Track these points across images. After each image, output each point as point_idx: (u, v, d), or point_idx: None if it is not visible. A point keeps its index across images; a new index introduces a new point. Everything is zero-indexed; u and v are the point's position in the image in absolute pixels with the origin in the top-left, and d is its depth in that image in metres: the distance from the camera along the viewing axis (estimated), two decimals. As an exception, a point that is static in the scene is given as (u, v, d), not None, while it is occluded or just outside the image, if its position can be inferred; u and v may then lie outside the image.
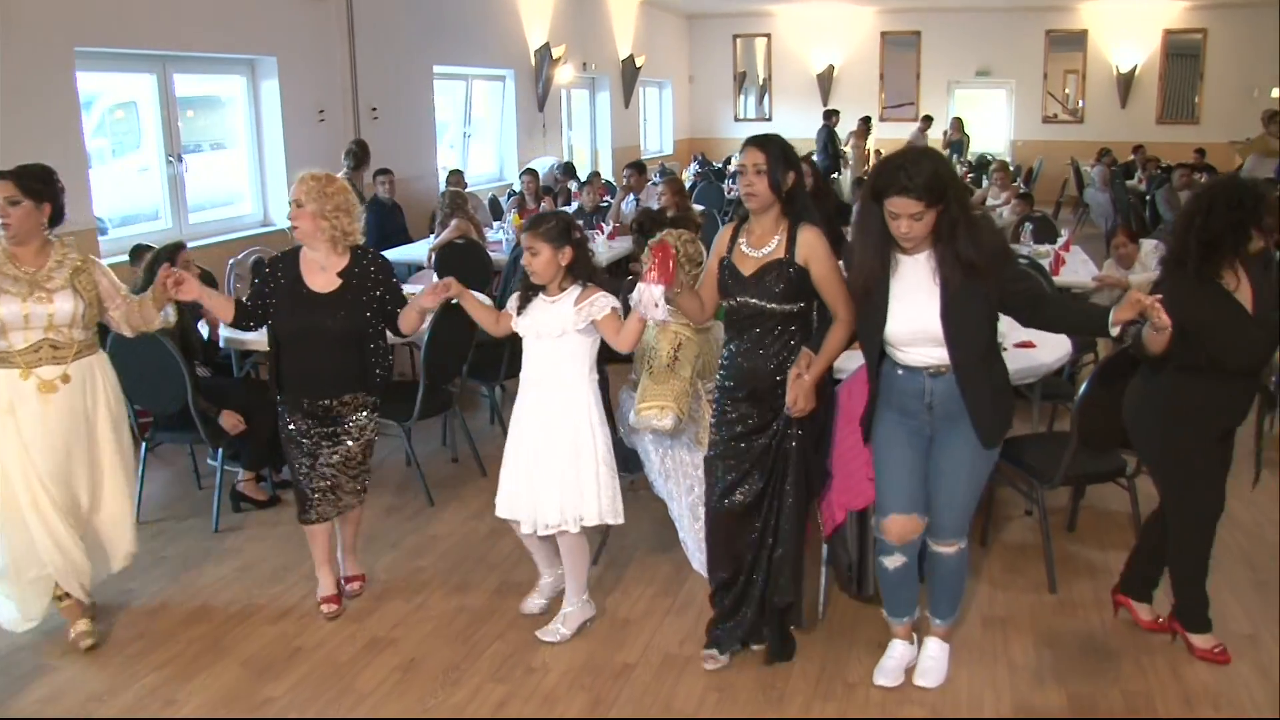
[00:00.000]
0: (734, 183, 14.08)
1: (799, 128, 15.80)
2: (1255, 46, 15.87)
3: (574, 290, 3.63)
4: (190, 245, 7.55)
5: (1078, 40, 17.38)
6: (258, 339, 4.53)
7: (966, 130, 16.77)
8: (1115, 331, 3.11)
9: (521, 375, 3.80)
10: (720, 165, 15.88)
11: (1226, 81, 16.60)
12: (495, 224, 9.32)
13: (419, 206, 9.83)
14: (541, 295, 3.67)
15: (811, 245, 3.34)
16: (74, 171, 6.58)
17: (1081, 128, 17.39)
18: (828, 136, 15.28)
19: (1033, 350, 4.49)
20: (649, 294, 3.24)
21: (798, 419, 3.41)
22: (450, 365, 5.34)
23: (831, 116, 15.66)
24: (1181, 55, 17.16)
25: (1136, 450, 3.85)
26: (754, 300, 3.39)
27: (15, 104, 6.27)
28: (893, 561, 3.45)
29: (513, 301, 3.78)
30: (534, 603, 4.07)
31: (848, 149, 15.71)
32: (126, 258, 5.98)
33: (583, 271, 3.64)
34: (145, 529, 4.97)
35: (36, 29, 6.36)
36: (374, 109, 9.75)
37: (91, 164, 7.07)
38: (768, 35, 19.02)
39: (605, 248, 8.28)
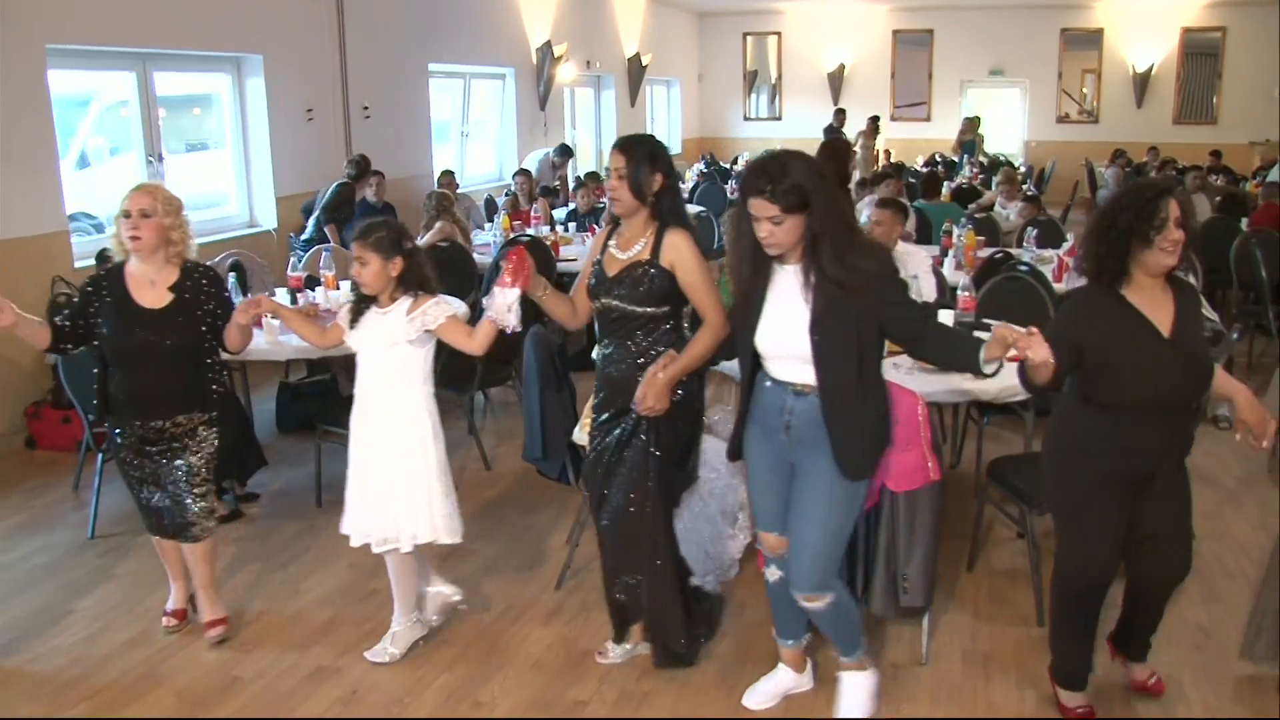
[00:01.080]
0: (737, 183, 13.87)
1: (809, 127, 15.57)
2: (1276, 45, 15.49)
3: (405, 301, 3.52)
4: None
5: (1093, 39, 17.06)
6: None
7: (980, 130, 16.47)
8: (990, 370, 2.84)
9: (355, 390, 3.66)
10: (729, 165, 15.65)
11: (1246, 81, 16.23)
12: (487, 226, 9.11)
13: (414, 208, 9.58)
14: (374, 307, 3.57)
15: (677, 248, 3.26)
16: (44, 172, 6.45)
17: (1096, 128, 17.07)
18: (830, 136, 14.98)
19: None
20: (501, 299, 3.19)
21: (654, 426, 3.33)
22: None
23: (839, 117, 15.39)
24: (1200, 54, 16.81)
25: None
26: (616, 302, 3.33)
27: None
28: (772, 574, 3.31)
29: (344, 314, 3.67)
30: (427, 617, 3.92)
31: (856, 149, 15.43)
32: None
33: (414, 282, 3.53)
34: (99, 544, 4.85)
35: (6, 25, 6.18)
36: (365, 108, 9.56)
37: (90, 162, 6.93)
38: (778, 33, 18.76)
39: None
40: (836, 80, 18.40)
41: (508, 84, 12.64)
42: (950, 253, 6.96)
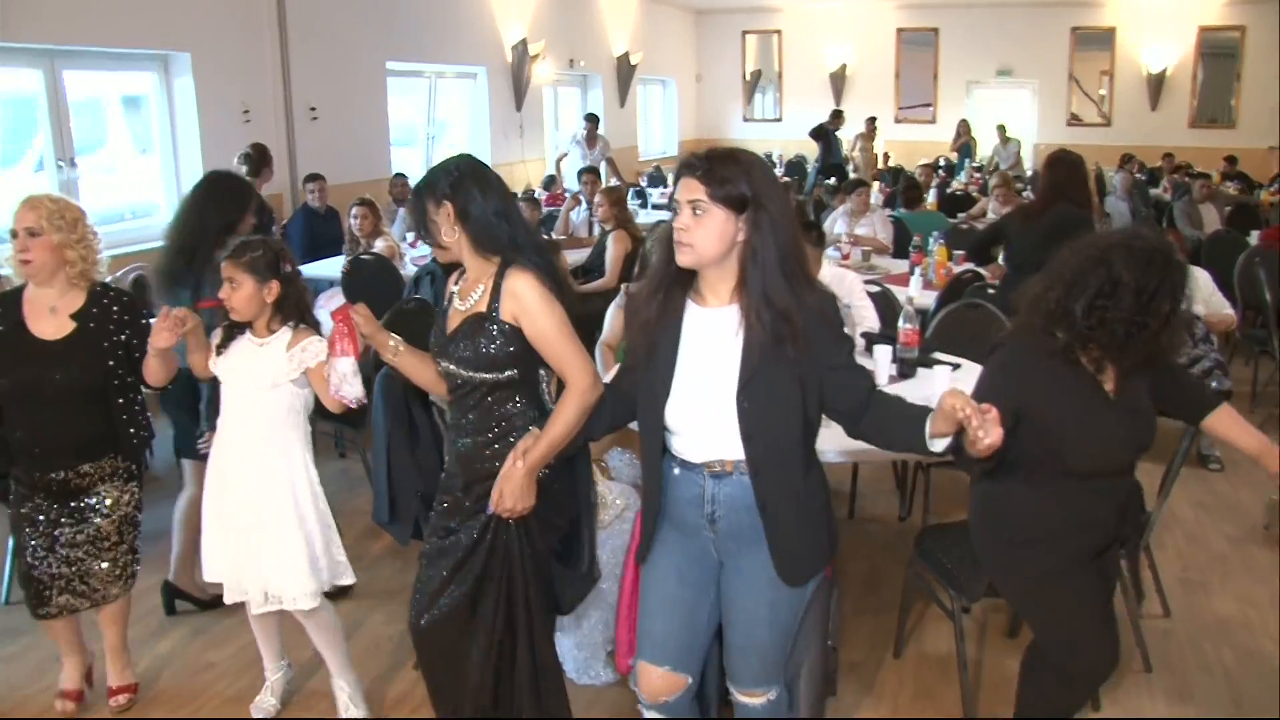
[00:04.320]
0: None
1: (809, 128, 14.86)
2: (1298, 45, 14.70)
3: (285, 333, 3.06)
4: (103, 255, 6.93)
5: (1105, 38, 16.25)
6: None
7: (972, 133, 15.81)
8: (939, 448, 2.23)
9: (219, 424, 3.11)
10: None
11: (1267, 82, 15.38)
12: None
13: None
14: (248, 335, 3.09)
15: (519, 296, 2.54)
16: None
17: (1108, 131, 16.27)
18: (826, 141, 14.30)
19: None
20: (336, 370, 2.72)
21: (519, 523, 2.61)
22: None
23: (836, 119, 14.70)
24: (1218, 54, 15.98)
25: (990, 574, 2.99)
26: (452, 366, 2.63)
27: None
28: (650, 715, 2.57)
29: (216, 336, 3.13)
30: (265, 702, 3.41)
31: (855, 154, 14.79)
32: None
33: (293, 311, 3.07)
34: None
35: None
36: (312, 108, 8.99)
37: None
38: (778, 31, 18.08)
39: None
40: (839, 80, 17.71)
41: (479, 83, 12.06)
42: (918, 270, 6.29)
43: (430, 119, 11.53)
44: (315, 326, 3.14)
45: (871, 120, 14.89)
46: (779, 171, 14.87)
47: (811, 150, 14.98)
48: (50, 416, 3.12)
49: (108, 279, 6.24)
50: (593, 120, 12.03)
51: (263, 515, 3.05)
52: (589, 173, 9.41)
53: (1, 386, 3.12)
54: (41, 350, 3.10)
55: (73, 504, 3.20)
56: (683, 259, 2.28)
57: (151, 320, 3.17)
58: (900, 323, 4.22)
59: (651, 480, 2.48)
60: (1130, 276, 2.44)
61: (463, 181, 2.57)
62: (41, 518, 3.18)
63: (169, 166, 8.02)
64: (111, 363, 3.18)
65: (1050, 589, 2.70)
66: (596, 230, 8.12)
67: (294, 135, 8.81)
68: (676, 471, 2.43)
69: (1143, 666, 3.54)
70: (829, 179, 12.68)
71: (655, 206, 11.55)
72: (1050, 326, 2.55)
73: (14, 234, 3.08)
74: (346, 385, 2.73)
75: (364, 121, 9.86)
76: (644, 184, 13.26)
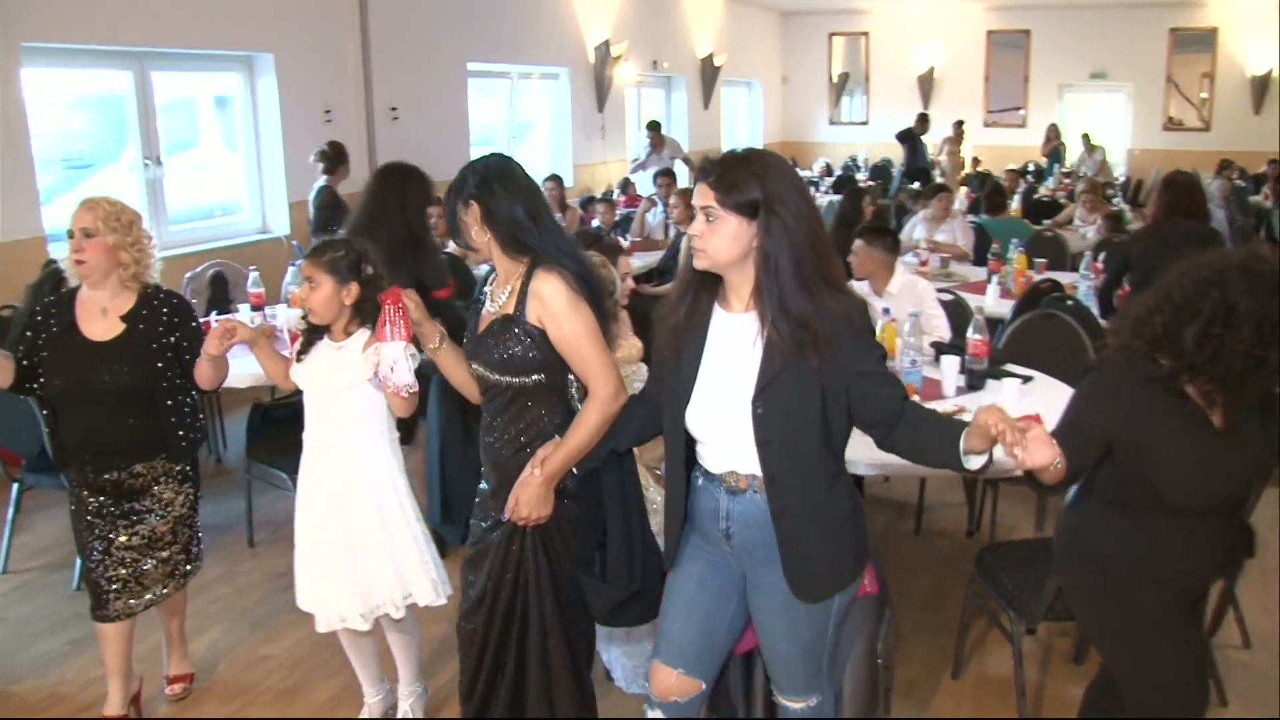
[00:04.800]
0: (822, 192, 13.09)
1: (896, 132, 14.62)
2: None
3: (361, 334, 2.95)
4: (176, 254, 7.09)
5: (1206, 39, 15.69)
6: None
7: (1062, 138, 15.40)
8: (975, 465, 2.13)
9: (305, 437, 3.05)
10: (815, 173, 14.84)
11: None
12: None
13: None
14: (326, 339, 3.01)
15: (544, 298, 2.49)
16: (19, 177, 6.10)
17: (1208, 136, 15.71)
18: (912, 145, 14.03)
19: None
20: (385, 355, 2.66)
21: (540, 536, 2.59)
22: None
23: (922, 122, 14.43)
24: (1328, 55, 15.36)
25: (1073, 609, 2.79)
26: (478, 367, 2.61)
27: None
28: (654, 714, 2.54)
29: (297, 346, 3.08)
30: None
31: (942, 158, 14.51)
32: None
33: (372, 314, 2.89)
34: (7, 580, 4.46)
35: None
36: (393, 108, 9.08)
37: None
38: (865, 34, 17.84)
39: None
40: (926, 83, 17.40)
41: (561, 84, 12.08)
42: (995, 278, 6.12)
43: (511, 119, 11.59)
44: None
45: (959, 124, 14.59)
46: (862, 176, 14.68)
47: (898, 154, 14.76)
48: (101, 417, 3.13)
49: (186, 274, 6.47)
50: (653, 127, 11.82)
51: (351, 524, 3.00)
52: (664, 175, 9.36)
53: (54, 387, 3.15)
54: (91, 351, 3.12)
55: (128, 505, 3.20)
56: (698, 263, 2.26)
57: (212, 319, 3.18)
58: (969, 332, 4.09)
59: (675, 487, 2.45)
60: (1250, 304, 2.21)
61: (488, 182, 2.54)
62: (98, 519, 3.19)
63: (252, 165, 8.15)
64: (160, 364, 3.18)
65: (1142, 636, 2.47)
66: (672, 232, 8.07)
67: (374, 135, 8.90)
68: (700, 481, 2.41)
69: (1218, 700, 3.37)
70: (913, 183, 12.47)
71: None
72: (1155, 352, 2.33)
73: (70, 234, 3.11)
74: (396, 371, 2.69)
75: (444, 122, 9.91)
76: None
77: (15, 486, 4.60)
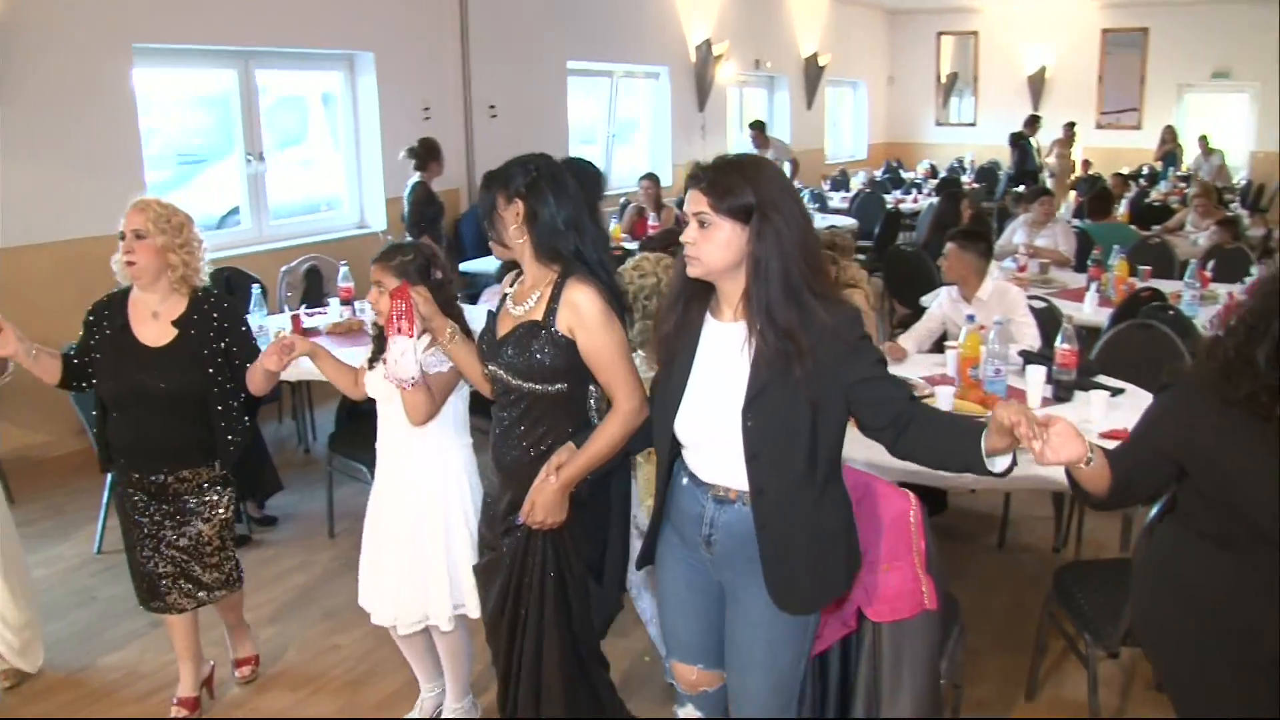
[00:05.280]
0: (911, 193, 12.86)
1: (1005, 133, 14.25)
2: None
3: (425, 339, 2.88)
4: (276, 248, 7.28)
5: (1339, 37, 14.98)
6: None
7: (1179, 140, 14.84)
8: (999, 468, 2.05)
9: (377, 444, 3.07)
10: (919, 175, 14.58)
11: None
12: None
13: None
14: None
15: (579, 308, 2.49)
16: (129, 172, 6.32)
17: (1339, 140, 15.00)
18: (1023, 149, 13.66)
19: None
20: (393, 349, 2.69)
21: (551, 541, 2.60)
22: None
23: (1032, 124, 14.05)
24: None
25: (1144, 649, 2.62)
26: (500, 372, 2.61)
27: (71, 103, 6.00)
28: (685, 713, 2.56)
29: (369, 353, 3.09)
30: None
31: (1050, 159, 14.12)
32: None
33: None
34: (99, 561, 4.62)
35: (92, 26, 6.06)
36: (492, 107, 9.17)
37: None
38: (975, 32, 17.45)
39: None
40: (1037, 83, 16.94)
41: (661, 83, 12.08)
42: (1094, 285, 5.91)
43: (611, 118, 11.61)
44: (468, 334, 2.94)
45: (1070, 126, 14.17)
46: (967, 178, 14.36)
47: (1006, 156, 14.40)
48: (152, 421, 3.16)
49: (282, 268, 6.61)
50: (757, 127, 11.75)
51: (413, 530, 3.01)
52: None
53: (108, 389, 3.18)
54: (146, 356, 3.14)
55: (173, 507, 3.23)
56: (692, 271, 2.22)
57: (301, 312, 3.21)
58: (1058, 341, 3.95)
59: (660, 484, 2.43)
60: None
61: (539, 183, 2.53)
62: (145, 519, 3.23)
63: (351, 161, 8.31)
64: (211, 370, 3.19)
65: (1215, 685, 2.23)
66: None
67: (472, 133, 9.00)
68: (684, 481, 2.37)
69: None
70: (1018, 186, 12.15)
71: (834, 210, 11.36)
72: (1229, 375, 2.14)
73: (122, 235, 3.13)
74: (400, 364, 2.70)
75: (543, 120, 9.99)
76: (826, 187, 13.04)
77: (110, 475, 4.76)
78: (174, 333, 3.17)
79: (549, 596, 2.62)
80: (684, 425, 2.30)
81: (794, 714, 2.42)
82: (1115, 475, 2.12)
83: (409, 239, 7.67)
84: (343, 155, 8.31)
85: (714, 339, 2.28)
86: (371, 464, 3.41)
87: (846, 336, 2.16)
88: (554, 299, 2.53)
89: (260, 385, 3.23)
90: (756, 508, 2.23)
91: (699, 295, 2.29)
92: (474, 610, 3.01)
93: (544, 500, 2.52)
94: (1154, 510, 2.67)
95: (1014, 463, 2.08)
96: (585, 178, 2.88)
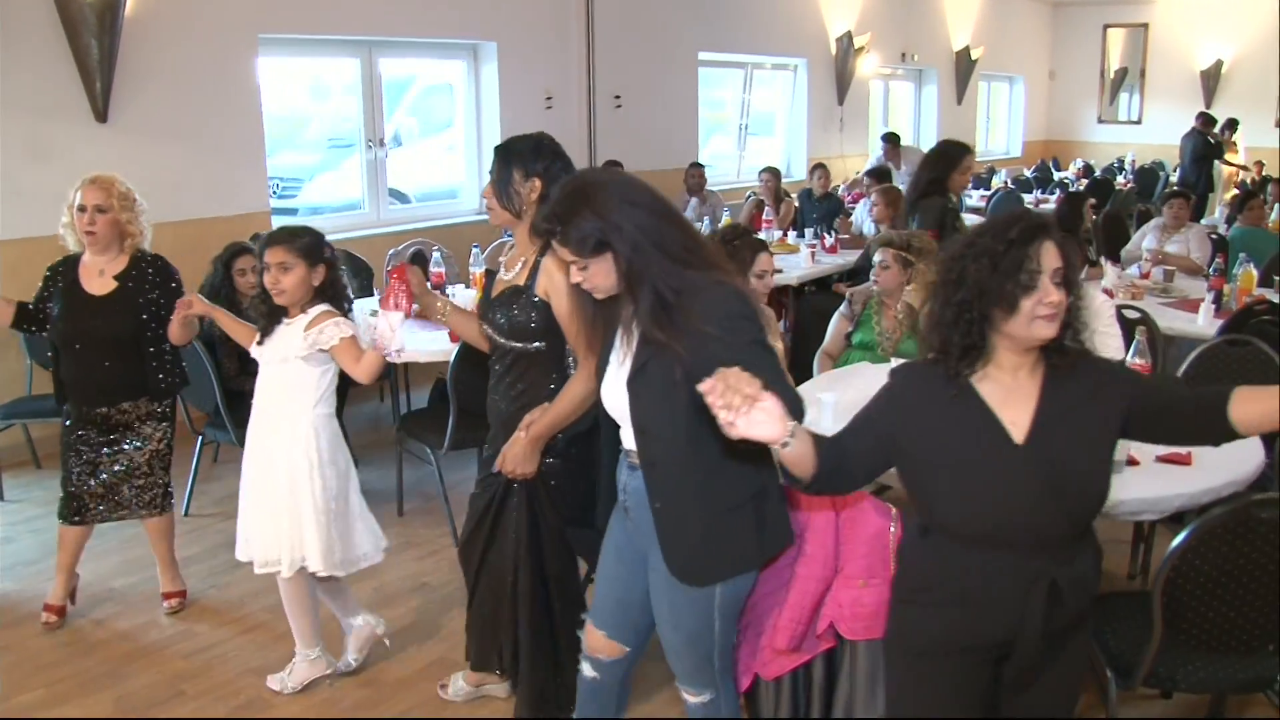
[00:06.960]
0: (1055, 193, 12.32)
1: (1174, 133, 13.50)
2: None
3: (309, 314, 3.23)
4: (391, 231, 7.52)
5: None
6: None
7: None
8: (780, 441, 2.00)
9: (254, 402, 3.40)
10: (1073, 176, 13.97)
11: None
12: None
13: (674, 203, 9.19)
14: (285, 318, 3.29)
15: (553, 274, 2.72)
16: (252, 157, 6.64)
17: None
18: (1202, 146, 12.79)
19: (1183, 469, 3.12)
20: (384, 322, 3.00)
21: (528, 491, 2.91)
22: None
23: (1208, 123, 13.14)
24: None
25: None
26: (490, 331, 2.94)
27: (199, 92, 6.32)
28: (585, 669, 2.70)
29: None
30: (346, 659, 3.64)
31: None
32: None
33: (329, 295, 3.25)
34: (188, 522, 4.89)
35: (220, 18, 6.37)
36: (616, 97, 9.20)
37: (401, 143, 7.74)
38: (1145, 25, 16.56)
39: (808, 261, 7.21)
40: (1211, 79, 15.96)
41: (799, 75, 11.90)
42: (1210, 296, 5.53)
43: (745, 109, 11.51)
44: (346, 313, 3.28)
45: (1231, 123, 13.31)
46: (1122, 180, 13.66)
47: (1172, 156, 13.61)
48: (94, 360, 3.72)
49: (389, 250, 6.78)
50: (890, 139, 10.98)
51: (270, 485, 3.28)
52: (871, 174, 9.06)
53: (59, 331, 3.74)
54: (89, 303, 3.71)
55: (113, 436, 3.81)
56: (598, 296, 2.30)
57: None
58: (1129, 354, 3.73)
59: (610, 456, 2.59)
60: (960, 257, 2.08)
61: (553, 166, 2.81)
62: (86, 448, 3.80)
63: (472, 150, 8.48)
64: (145, 317, 3.75)
65: (909, 677, 2.31)
66: (869, 230, 7.80)
67: (595, 123, 9.06)
68: (620, 451, 2.49)
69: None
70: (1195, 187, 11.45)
71: (969, 209, 10.97)
72: (942, 348, 2.12)
73: (82, 209, 3.64)
74: (389, 337, 3.00)
75: (672, 111, 9.95)
76: (969, 185, 12.60)
77: (199, 440, 5.02)
78: (115, 285, 3.74)
79: (521, 540, 2.92)
80: (606, 394, 2.42)
81: (715, 666, 2.45)
82: (823, 460, 2.06)
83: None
84: (462, 143, 8.49)
85: (627, 315, 2.33)
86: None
87: (727, 310, 2.17)
88: (536, 266, 2.80)
89: (176, 335, 3.74)
90: (649, 479, 2.31)
91: None
92: (314, 564, 3.26)
93: (514, 453, 2.81)
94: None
95: (794, 438, 1.95)
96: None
